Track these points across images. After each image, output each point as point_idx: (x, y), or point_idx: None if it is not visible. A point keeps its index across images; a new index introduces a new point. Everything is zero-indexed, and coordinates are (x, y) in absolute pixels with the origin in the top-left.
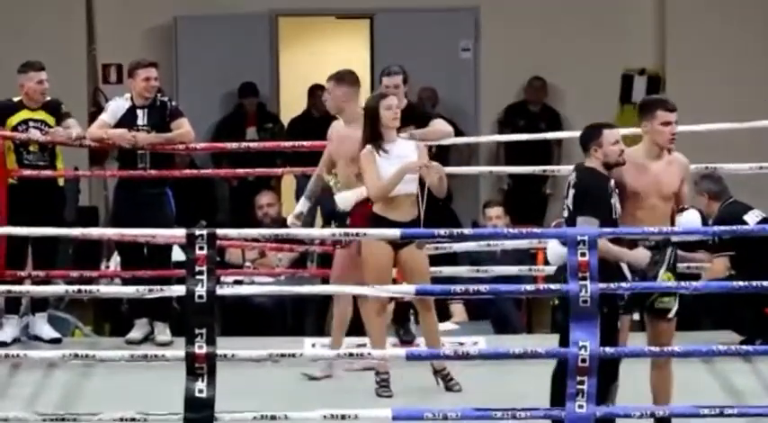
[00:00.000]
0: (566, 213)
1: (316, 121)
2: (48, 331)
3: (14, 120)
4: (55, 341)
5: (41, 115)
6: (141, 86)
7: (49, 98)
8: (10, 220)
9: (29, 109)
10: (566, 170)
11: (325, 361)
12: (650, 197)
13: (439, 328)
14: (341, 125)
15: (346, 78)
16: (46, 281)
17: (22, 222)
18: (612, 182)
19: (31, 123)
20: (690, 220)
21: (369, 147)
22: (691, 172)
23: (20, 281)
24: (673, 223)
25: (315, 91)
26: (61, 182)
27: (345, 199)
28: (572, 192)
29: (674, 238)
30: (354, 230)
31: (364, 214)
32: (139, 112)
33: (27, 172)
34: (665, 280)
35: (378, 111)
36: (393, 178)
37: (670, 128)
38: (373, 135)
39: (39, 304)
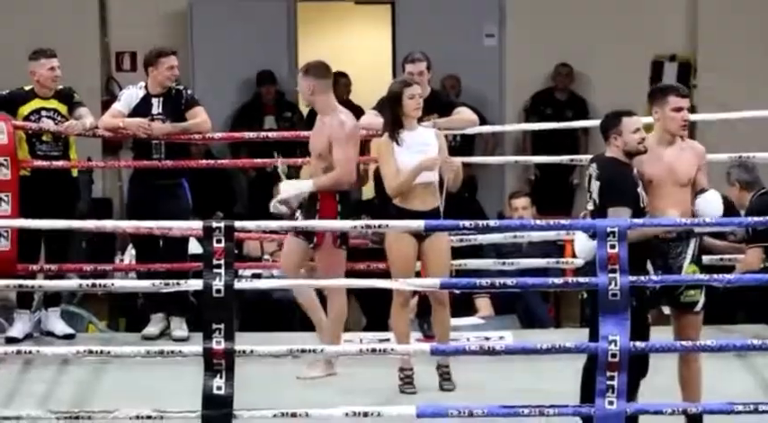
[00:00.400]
0: (590, 206)
1: None
2: (61, 327)
3: (26, 109)
4: (68, 337)
5: (54, 104)
6: (165, 75)
7: (61, 86)
8: (22, 213)
9: (41, 97)
10: None
11: (323, 359)
12: (665, 185)
13: (458, 323)
14: (318, 117)
15: (311, 70)
16: (59, 275)
17: (34, 215)
18: (635, 170)
19: (43, 113)
20: (709, 200)
21: (386, 136)
22: (722, 161)
23: (32, 275)
24: (692, 213)
25: (336, 78)
26: (75, 173)
27: (285, 190)
28: (596, 184)
29: (698, 229)
30: (378, 222)
31: (332, 208)
32: (154, 100)
33: (39, 163)
34: (689, 273)
35: (401, 98)
36: (410, 175)
37: (682, 114)
38: (394, 122)
39: (51, 299)
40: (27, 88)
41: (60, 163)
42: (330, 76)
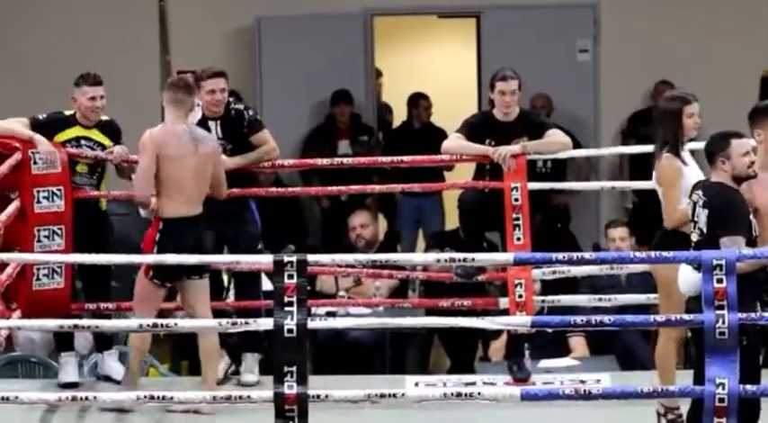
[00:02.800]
0: (695, 237)
1: (416, 132)
2: (119, 370)
3: (64, 136)
4: None
5: (96, 135)
6: (206, 100)
7: (105, 117)
8: None
9: (82, 126)
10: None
11: None
12: None
13: (551, 364)
14: None
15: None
16: (118, 314)
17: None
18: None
19: (83, 142)
20: None
21: (670, 157)
22: None
23: (79, 314)
24: None
25: (416, 100)
26: (104, 206)
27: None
28: (704, 212)
29: None
30: (462, 255)
31: (150, 237)
32: (211, 124)
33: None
34: None
35: (680, 115)
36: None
37: None
38: (676, 141)
39: (105, 341)
40: (68, 113)
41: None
42: (179, 91)
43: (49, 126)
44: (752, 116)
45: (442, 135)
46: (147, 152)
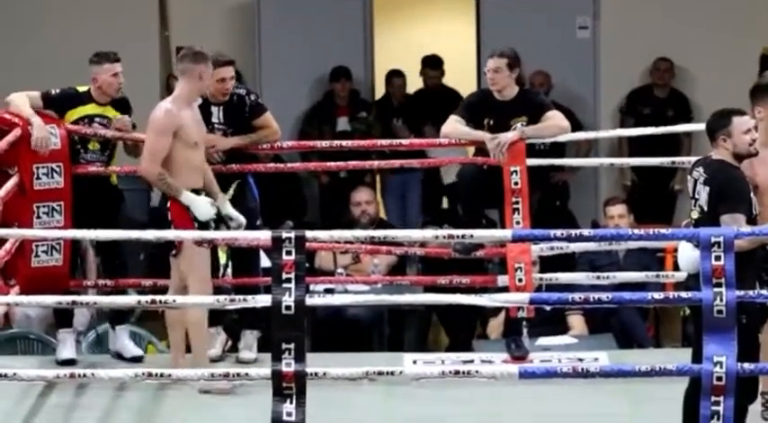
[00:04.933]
0: (695, 214)
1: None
2: (130, 348)
3: (76, 113)
4: (136, 360)
5: (110, 112)
6: (216, 87)
7: (123, 95)
8: None
9: (97, 103)
10: None
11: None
12: None
13: (549, 342)
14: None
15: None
16: (117, 291)
17: (76, 226)
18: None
19: (96, 120)
20: None
21: None
22: None
23: (83, 290)
24: None
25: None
26: (115, 180)
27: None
28: (704, 189)
29: None
30: (461, 232)
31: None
32: (214, 109)
33: (92, 168)
34: None
35: None
36: None
37: None
38: None
39: (117, 316)
40: (81, 89)
41: (112, 169)
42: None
43: (62, 101)
44: (753, 93)
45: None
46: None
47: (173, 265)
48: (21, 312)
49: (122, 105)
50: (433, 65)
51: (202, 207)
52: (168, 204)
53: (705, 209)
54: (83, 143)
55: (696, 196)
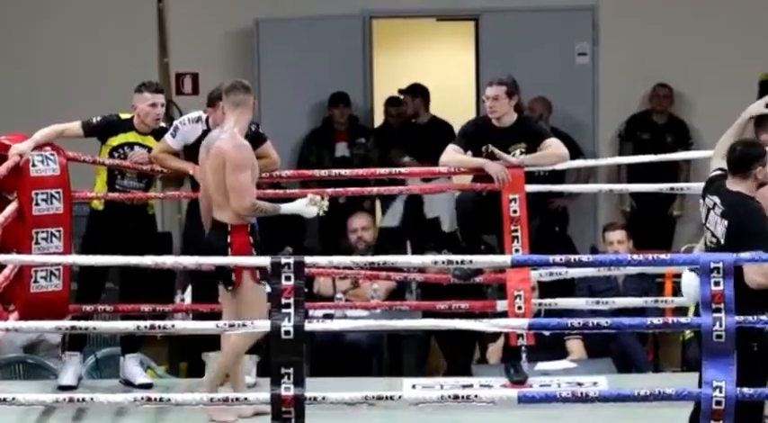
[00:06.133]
0: (709, 243)
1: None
2: (139, 376)
3: (117, 140)
4: (145, 386)
5: (151, 142)
6: (219, 116)
7: (163, 125)
8: (92, 250)
9: (138, 132)
10: (696, 188)
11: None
12: None
13: (548, 367)
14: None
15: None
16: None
17: (107, 253)
18: None
19: (136, 148)
20: None
21: None
22: None
23: (88, 316)
24: None
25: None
26: (152, 210)
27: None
28: (723, 222)
29: None
30: (460, 257)
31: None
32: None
33: (114, 195)
34: None
35: None
36: None
37: None
38: None
39: (129, 344)
40: (124, 117)
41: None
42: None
43: (104, 128)
44: (758, 121)
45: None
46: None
47: (225, 298)
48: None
49: (162, 135)
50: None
51: (306, 209)
52: (229, 237)
53: (722, 242)
54: (121, 170)
55: (708, 225)
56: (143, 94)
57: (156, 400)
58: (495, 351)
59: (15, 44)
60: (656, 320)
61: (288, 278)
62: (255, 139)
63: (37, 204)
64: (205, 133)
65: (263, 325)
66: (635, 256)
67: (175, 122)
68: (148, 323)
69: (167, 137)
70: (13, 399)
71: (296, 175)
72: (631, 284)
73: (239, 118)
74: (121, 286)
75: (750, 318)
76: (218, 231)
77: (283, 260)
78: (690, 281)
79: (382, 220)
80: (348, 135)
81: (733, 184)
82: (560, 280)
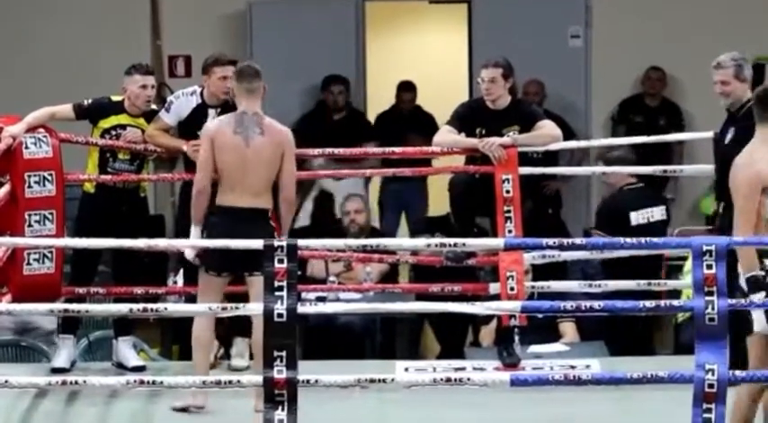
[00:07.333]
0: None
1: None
2: (132, 359)
3: (108, 122)
4: (138, 369)
5: (143, 124)
6: (217, 86)
7: (154, 107)
8: (83, 233)
9: (129, 114)
10: (690, 170)
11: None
12: None
13: (541, 350)
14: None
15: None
16: (123, 299)
17: (98, 236)
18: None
19: (129, 129)
20: None
21: None
22: None
23: (81, 298)
24: None
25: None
26: (143, 193)
27: None
28: None
29: None
30: (453, 240)
31: None
32: (211, 111)
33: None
34: None
35: None
36: None
37: None
38: None
39: (122, 328)
40: (115, 99)
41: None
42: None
43: (94, 111)
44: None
45: (431, 121)
46: (203, 143)
47: (255, 284)
48: None
49: (153, 117)
50: (407, 88)
51: None
52: (270, 214)
53: None
54: (112, 152)
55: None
56: (133, 76)
57: (148, 382)
58: (487, 333)
59: (7, 27)
60: (649, 304)
61: (281, 261)
62: None
63: (30, 187)
64: (199, 106)
65: (257, 308)
66: (628, 240)
67: (169, 98)
68: (141, 306)
69: (162, 113)
70: (6, 381)
71: None
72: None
73: (261, 102)
74: (114, 269)
75: (743, 301)
76: (262, 219)
77: (276, 243)
78: None
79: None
80: None
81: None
82: (553, 263)
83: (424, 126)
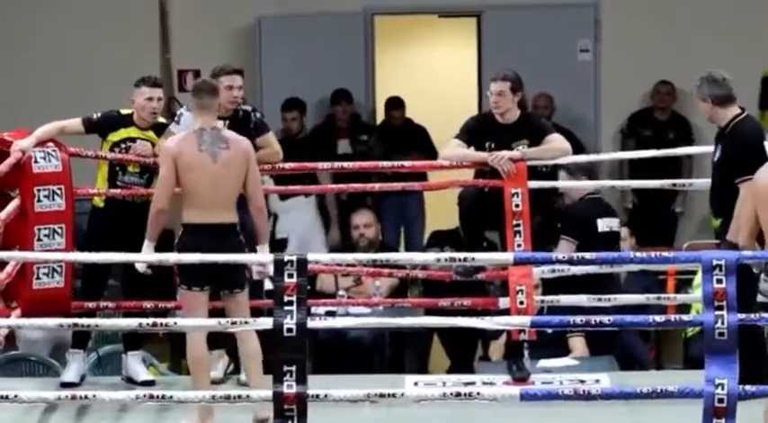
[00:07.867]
0: None
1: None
2: (142, 373)
3: (117, 135)
4: (148, 384)
5: (151, 137)
6: (223, 97)
7: (163, 120)
8: (92, 247)
9: (138, 127)
10: (699, 184)
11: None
12: None
13: (550, 364)
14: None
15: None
16: (132, 314)
17: (107, 250)
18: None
19: (138, 143)
20: None
21: None
22: None
23: (91, 313)
24: None
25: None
26: None
27: None
28: None
29: None
30: (462, 255)
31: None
32: (219, 123)
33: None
34: None
35: None
36: None
37: None
38: None
39: (131, 342)
40: (124, 112)
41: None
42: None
43: (104, 124)
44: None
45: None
46: (164, 162)
47: (232, 301)
48: (25, 335)
49: (162, 130)
50: (396, 105)
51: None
52: (237, 227)
53: None
54: (122, 166)
55: None
56: (141, 88)
57: (158, 397)
58: (497, 348)
59: (16, 40)
60: (659, 318)
61: (290, 276)
62: (259, 127)
63: (39, 201)
64: None
65: (266, 322)
66: (637, 254)
67: (179, 110)
68: (151, 320)
69: (172, 126)
70: (16, 396)
71: (299, 167)
72: (634, 281)
73: (214, 118)
74: (123, 283)
75: (752, 316)
76: (232, 233)
77: (286, 257)
78: None
79: None
80: (350, 132)
81: None
82: (563, 277)
83: (416, 140)
